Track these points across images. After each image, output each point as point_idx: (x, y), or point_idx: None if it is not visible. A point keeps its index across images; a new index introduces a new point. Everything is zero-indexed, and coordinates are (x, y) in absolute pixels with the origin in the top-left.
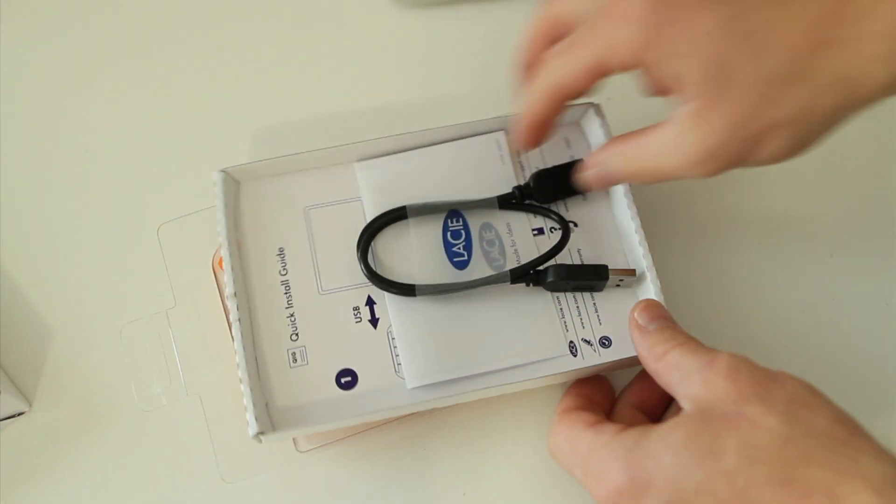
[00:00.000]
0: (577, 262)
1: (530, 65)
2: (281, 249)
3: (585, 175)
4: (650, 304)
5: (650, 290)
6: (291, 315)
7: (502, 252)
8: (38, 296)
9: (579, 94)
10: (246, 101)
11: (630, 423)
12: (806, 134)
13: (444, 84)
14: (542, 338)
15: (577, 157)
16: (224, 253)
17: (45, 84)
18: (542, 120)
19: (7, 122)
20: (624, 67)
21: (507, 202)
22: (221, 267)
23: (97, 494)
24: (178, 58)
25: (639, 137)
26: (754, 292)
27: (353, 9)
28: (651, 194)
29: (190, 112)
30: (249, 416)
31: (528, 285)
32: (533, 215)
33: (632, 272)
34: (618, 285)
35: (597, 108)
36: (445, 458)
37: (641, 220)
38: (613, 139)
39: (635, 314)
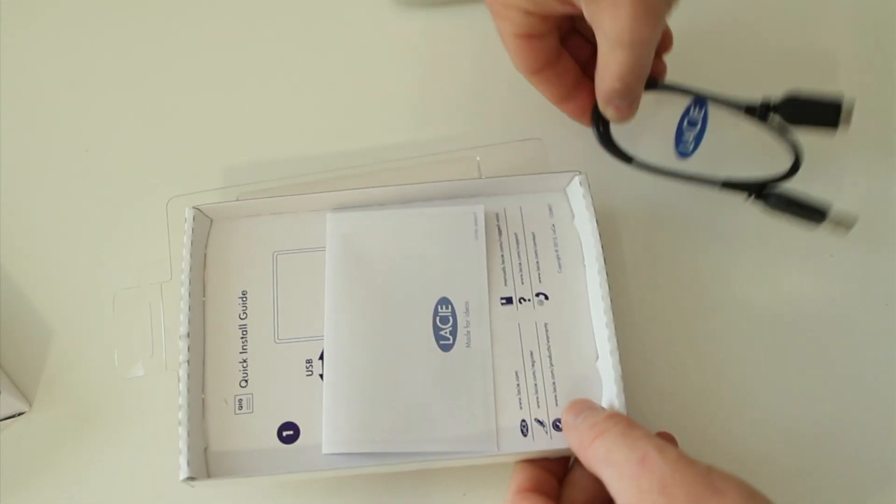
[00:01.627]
0: (544, 337)
1: None
2: (244, 293)
3: (607, 112)
4: (576, 402)
5: (610, 375)
6: (244, 361)
7: None
8: (38, 296)
9: (537, 31)
10: (246, 99)
11: (586, 497)
12: None
13: (444, 84)
14: (473, 425)
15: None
16: (184, 291)
17: (44, 83)
18: (527, 69)
19: (7, 122)
20: None
21: (752, 111)
22: None
23: (97, 494)
24: (178, 56)
25: (600, 54)
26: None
27: (353, 9)
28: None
29: (189, 107)
30: (182, 459)
31: (749, 195)
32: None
33: (850, 225)
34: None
35: (580, 179)
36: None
37: (617, 291)
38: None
39: (564, 416)
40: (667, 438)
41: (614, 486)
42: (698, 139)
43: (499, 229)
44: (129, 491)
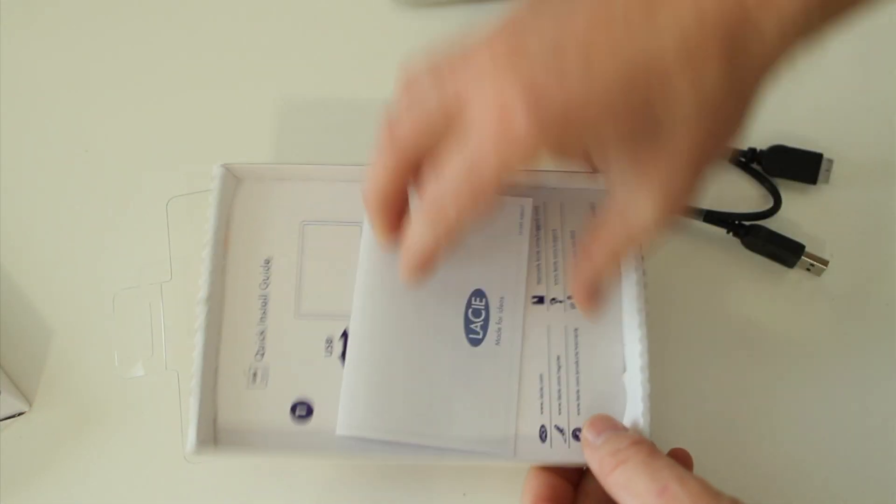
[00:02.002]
0: (572, 342)
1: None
2: (267, 261)
3: (578, 300)
4: (598, 419)
5: (637, 391)
6: (262, 333)
7: None
8: (38, 296)
9: None
10: (246, 99)
11: None
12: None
13: None
14: (493, 427)
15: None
16: (206, 253)
17: (44, 83)
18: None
19: (7, 122)
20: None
21: (736, 160)
22: None
23: (97, 494)
24: (178, 56)
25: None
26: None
27: (353, 9)
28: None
29: (189, 107)
30: (191, 429)
31: (728, 233)
32: (749, 178)
33: (824, 262)
34: (808, 269)
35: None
36: (446, 457)
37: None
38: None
39: (584, 432)
40: (681, 456)
41: None
42: None
43: (537, 224)
44: (129, 491)
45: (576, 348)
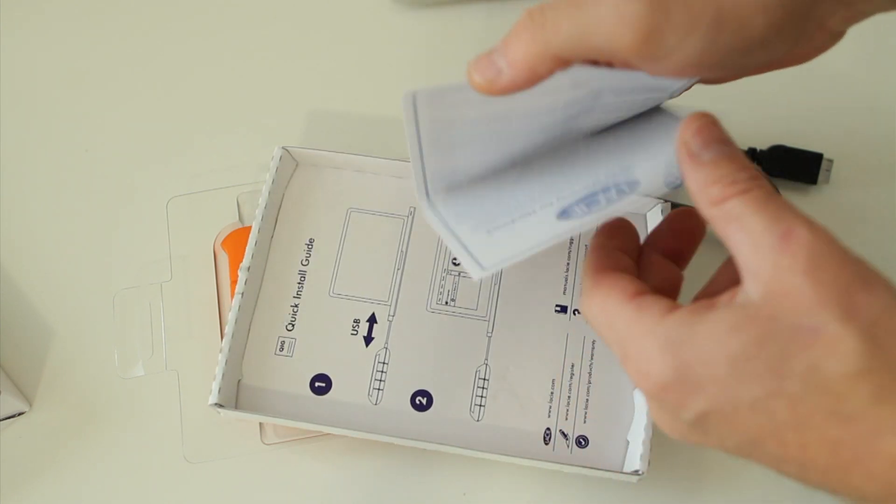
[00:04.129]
0: (589, 353)
1: None
2: (311, 240)
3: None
4: (706, 124)
5: (643, 409)
6: (295, 306)
7: None
8: (38, 296)
9: None
10: (245, 99)
11: (662, 278)
12: None
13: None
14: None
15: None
16: (255, 224)
17: (44, 82)
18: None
19: (7, 122)
20: None
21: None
22: (223, 248)
23: (97, 494)
24: (178, 57)
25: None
26: None
27: (353, 9)
28: None
29: (188, 108)
30: (215, 384)
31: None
32: None
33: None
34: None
35: (663, 207)
36: (446, 457)
37: None
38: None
39: (686, 135)
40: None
41: (744, 254)
42: None
43: (571, 238)
44: (129, 490)
45: (591, 359)
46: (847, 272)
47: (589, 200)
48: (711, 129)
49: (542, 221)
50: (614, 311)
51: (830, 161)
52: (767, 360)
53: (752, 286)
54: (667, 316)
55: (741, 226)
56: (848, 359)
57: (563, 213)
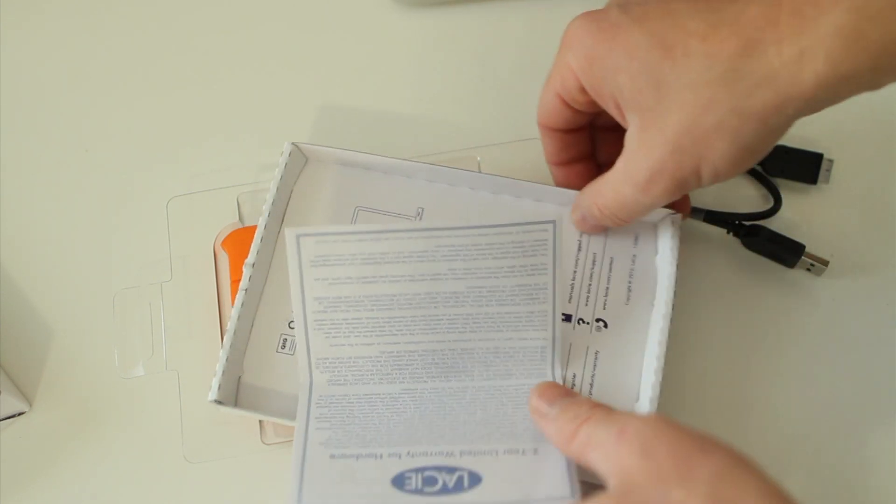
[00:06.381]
0: (591, 364)
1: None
2: None
3: (573, 218)
4: (547, 388)
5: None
6: None
7: None
8: (38, 296)
9: (566, 126)
10: (245, 100)
11: None
12: (744, 137)
13: (444, 83)
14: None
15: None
16: (261, 220)
17: (44, 82)
18: (550, 160)
19: (7, 122)
20: (578, 90)
21: None
22: (223, 248)
23: (97, 494)
24: (178, 57)
25: (605, 174)
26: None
27: (353, 9)
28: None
29: (188, 108)
30: (215, 381)
31: (728, 233)
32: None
33: (825, 262)
34: (808, 269)
35: (674, 218)
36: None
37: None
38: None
39: (533, 402)
40: None
41: (601, 469)
42: None
43: (579, 245)
44: (129, 491)
45: (593, 370)
46: (684, 445)
47: (427, 476)
48: (552, 390)
49: (374, 481)
50: None
51: (830, 161)
52: None
53: (610, 482)
54: None
55: (593, 445)
56: None
57: (397, 480)
